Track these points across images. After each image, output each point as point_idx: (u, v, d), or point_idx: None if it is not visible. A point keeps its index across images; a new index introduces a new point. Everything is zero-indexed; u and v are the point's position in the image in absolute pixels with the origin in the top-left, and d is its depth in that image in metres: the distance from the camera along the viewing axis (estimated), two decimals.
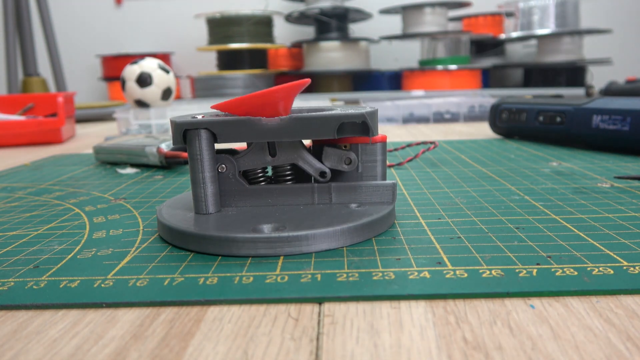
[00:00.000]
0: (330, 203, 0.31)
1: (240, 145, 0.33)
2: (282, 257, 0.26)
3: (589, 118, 0.55)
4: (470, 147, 0.62)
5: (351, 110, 0.30)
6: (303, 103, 1.03)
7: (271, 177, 0.33)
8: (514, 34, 1.66)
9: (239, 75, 1.69)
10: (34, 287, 0.24)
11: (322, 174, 0.31)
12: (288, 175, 0.33)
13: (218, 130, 0.29)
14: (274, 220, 0.28)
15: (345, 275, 0.23)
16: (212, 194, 0.30)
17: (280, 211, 0.30)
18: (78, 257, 0.28)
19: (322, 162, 0.31)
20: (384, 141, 0.32)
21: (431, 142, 0.51)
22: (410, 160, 0.48)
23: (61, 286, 0.23)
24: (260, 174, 0.33)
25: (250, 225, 0.28)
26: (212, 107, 0.30)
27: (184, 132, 0.30)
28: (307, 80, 0.30)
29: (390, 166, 0.49)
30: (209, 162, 0.30)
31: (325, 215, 0.29)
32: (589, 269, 0.23)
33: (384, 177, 0.32)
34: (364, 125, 0.29)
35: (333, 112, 0.30)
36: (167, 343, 0.18)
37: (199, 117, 0.30)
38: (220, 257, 0.26)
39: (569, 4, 1.60)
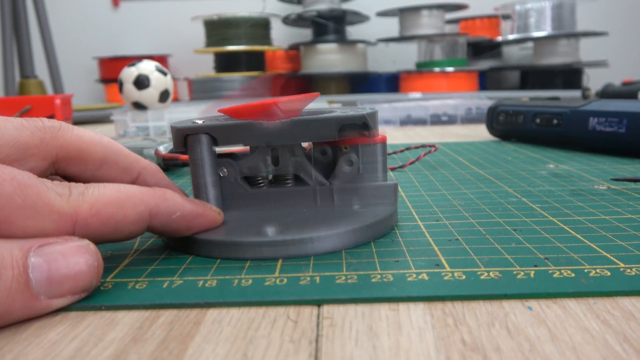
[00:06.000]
0: (333, 205, 0.32)
1: (238, 148, 0.33)
2: (280, 260, 0.26)
3: (585, 120, 0.56)
4: (467, 149, 0.62)
5: (351, 111, 0.30)
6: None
7: (271, 179, 0.33)
8: (511, 37, 1.67)
9: (236, 77, 1.69)
10: None
11: (321, 184, 0.32)
12: (288, 178, 0.33)
13: (218, 134, 0.29)
14: (277, 224, 0.29)
15: (344, 277, 0.23)
16: (214, 198, 0.30)
17: (284, 214, 0.31)
18: None
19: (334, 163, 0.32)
20: (384, 142, 0.32)
21: (431, 146, 0.51)
22: (413, 162, 0.48)
23: None
24: (260, 178, 0.33)
25: (254, 228, 0.28)
26: (220, 111, 0.31)
27: (185, 137, 0.30)
28: (316, 94, 0.31)
29: (392, 169, 0.49)
30: (211, 166, 0.30)
31: (329, 217, 0.29)
32: (586, 270, 0.23)
33: (384, 178, 0.32)
34: (364, 126, 0.30)
35: (334, 114, 0.30)
36: (166, 345, 0.18)
37: (199, 122, 0.30)
38: (219, 260, 0.26)
39: (565, 6, 1.61)
